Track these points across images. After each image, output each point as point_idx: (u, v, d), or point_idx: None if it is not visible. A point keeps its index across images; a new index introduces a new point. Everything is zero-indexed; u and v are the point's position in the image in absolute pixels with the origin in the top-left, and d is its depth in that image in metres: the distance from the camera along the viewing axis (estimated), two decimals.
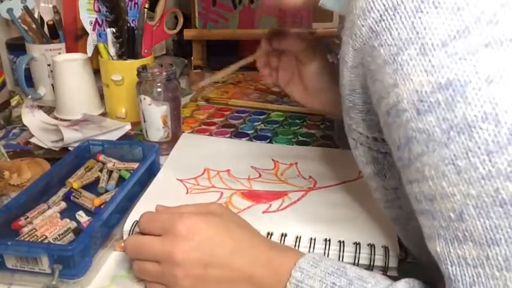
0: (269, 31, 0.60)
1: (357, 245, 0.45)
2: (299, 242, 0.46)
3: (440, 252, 0.29)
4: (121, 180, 0.60)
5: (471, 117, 0.25)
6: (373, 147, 0.39)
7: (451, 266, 0.28)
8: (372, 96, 0.33)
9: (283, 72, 0.61)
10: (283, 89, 0.63)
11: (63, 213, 0.53)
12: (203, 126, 0.79)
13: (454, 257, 0.28)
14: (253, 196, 0.55)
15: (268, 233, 0.47)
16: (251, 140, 0.74)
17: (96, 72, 0.83)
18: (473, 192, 0.26)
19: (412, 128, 0.28)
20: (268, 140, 0.73)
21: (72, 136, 0.67)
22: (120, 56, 0.77)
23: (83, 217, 0.52)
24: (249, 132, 0.77)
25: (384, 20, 0.28)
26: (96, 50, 0.79)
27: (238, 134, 0.76)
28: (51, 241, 0.46)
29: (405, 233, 0.42)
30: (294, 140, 0.74)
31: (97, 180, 0.59)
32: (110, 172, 0.61)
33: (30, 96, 0.85)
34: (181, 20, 0.84)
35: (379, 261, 0.44)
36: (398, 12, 0.27)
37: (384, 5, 0.28)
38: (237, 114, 0.84)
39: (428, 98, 0.26)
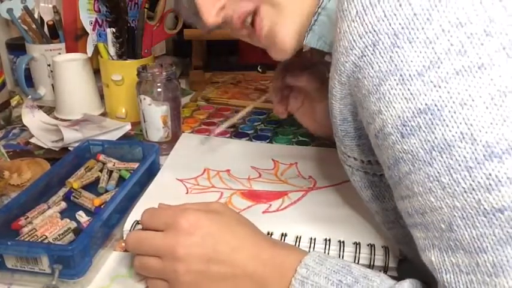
0: (282, 67, 0.61)
1: (357, 245, 0.45)
2: (299, 242, 0.46)
3: (435, 262, 0.31)
4: (121, 180, 0.60)
5: (449, 137, 0.28)
6: (369, 171, 0.42)
7: (446, 273, 0.30)
8: (362, 121, 0.36)
9: (294, 101, 0.64)
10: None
11: (63, 213, 0.53)
12: (203, 126, 0.79)
13: (448, 265, 0.30)
14: (253, 196, 0.55)
15: (268, 233, 0.47)
16: (251, 140, 0.74)
17: (96, 72, 0.83)
18: (458, 205, 0.28)
19: (399, 150, 0.31)
20: (268, 140, 0.73)
21: (72, 136, 0.67)
22: (120, 56, 0.77)
23: (83, 217, 0.52)
24: (249, 132, 0.77)
25: (365, 56, 0.31)
26: (96, 50, 0.79)
27: (238, 134, 0.76)
28: (51, 241, 0.46)
29: (412, 251, 0.42)
30: (294, 140, 0.74)
31: (97, 180, 0.59)
32: (110, 172, 0.61)
33: (30, 96, 0.85)
34: (181, 20, 0.84)
35: (379, 261, 0.44)
36: (377, 48, 0.30)
37: (364, 43, 0.31)
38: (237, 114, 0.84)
39: (410, 123, 0.29)
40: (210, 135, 0.70)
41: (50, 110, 0.86)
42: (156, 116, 0.67)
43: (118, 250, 0.49)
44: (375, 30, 0.30)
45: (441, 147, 0.28)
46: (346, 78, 0.34)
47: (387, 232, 0.44)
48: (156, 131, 0.68)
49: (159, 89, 0.67)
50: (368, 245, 0.45)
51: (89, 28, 0.77)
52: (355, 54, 0.32)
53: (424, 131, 0.29)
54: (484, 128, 0.27)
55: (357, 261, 0.44)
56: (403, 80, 0.30)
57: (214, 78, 1.03)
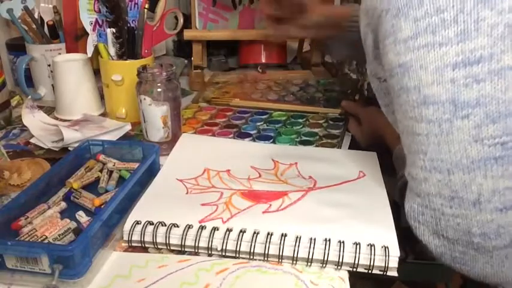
0: None
1: (357, 245, 0.45)
2: (299, 242, 0.46)
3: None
4: (121, 180, 0.60)
5: (408, 85, 0.42)
6: None
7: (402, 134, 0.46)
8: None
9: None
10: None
11: (63, 213, 0.53)
12: (205, 127, 0.79)
13: (401, 128, 0.45)
14: (253, 196, 0.55)
15: (268, 233, 0.47)
16: (254, 140, 0.74)
17: (96, 72, 0.83)
18: (400, 116, 0.45)
19: (387, 83, 0.46)
20: (271, 140, 0.73)
21: (72, 136, 0.67)
22: (120, 56, 0.77)
23: (83, 217, 0.53)
24: (251, 132, 0.77)
25: (381, 17, 0.43)
26: (96, 50, 0.79)
27: (241, 135, 0.76)
28: (51, 241, 0.46)
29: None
30: (296, 139, 0.74)
31: (97, 180, 0.59)
32: (110, 172, 0.61)
33: (30, 97, 0.84)
34: (181, 20, 0.84)
35: (379, 261, 0.44)
36: (387, 14, 0.42)
37: (382, 8, 0.43)
38: (239, 115, 0.84)
39: (394, 70, 0.43)
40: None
41: (50, 110, 0.86)
42: (156, 116, 0.67)
43: (118, 250, 0.49)
44: (389, 2, 0.41)
45: (404, 90, 0.42)
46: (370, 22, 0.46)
47: (396, 130, 0.52)
48: (156, 131, 0.69)
49: (159, 89, 0.67)
50: (368, 245, 0.45)
51: (89, 28, 0.77)
52: (377, 13, 0.43)
53: (398, 77, 0.42)
54: (426, 85, 0.40)
55: (357, 262, 0.44)
56: (395, 41, 0.41)
57: (215, 79, 1.03)
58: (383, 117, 0.54)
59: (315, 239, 0.46)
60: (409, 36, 0.40)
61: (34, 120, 0.76)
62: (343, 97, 0.89)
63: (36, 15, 0.91)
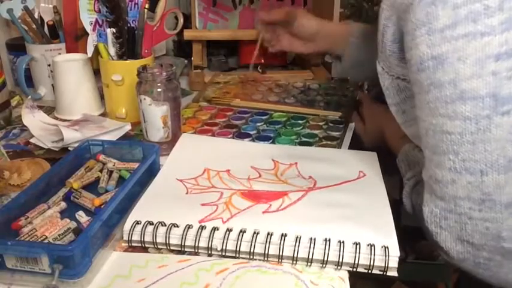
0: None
1: (357, 245, 0.45)
2: (299, 242, 0.46)
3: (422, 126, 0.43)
4: (121, 180, 0.60)
5: (443, 79, 0.39)
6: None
7: (426, 136, 0.43)
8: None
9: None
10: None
11: (63, 213, 0.53)
12: (205, 127, 0.79)
13: (429, 127, 0.42)
14: (253, 196, 0.55)
15: (268, 233, 0.47)
16: (253, 141, 0.74)
17: (96, 72, 0.83)
18: (433, 121, 0.41)
19: (414, 78, 0.42)
20: (270, 141, 0.73)
21: (72, 136, 0.67)
22: (120, 56, 0.77)
23: (83, 217, 0.53)
24: (251, 132, 0.77)
25: (412, 4, 0.40)
26: (96, 50, 0.79)
27: (241, 135, 0.76)
28: (51, 241, 0.46)
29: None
30: (296, 140, 0.74)
31: (97, 180, 0.59)
32: (110, 172, 0.61)
33: (30, 97, 0.84)
34: (181, 20, 0.84)
35: (379, 261, 0.44)
36: (421, 2, 0.39)
37: None
38: (239, 115, 0.84)
39: (424, 63, 0.40)
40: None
41: (50, 110, 0.86)
42: (156, 116, 0.67)
43: (118, 250, 0.49)
44: None
45: (435, 85, 0.39)
46: (397, 14, 0.44)
47: (406, 130, 0.52)
48: (156, 131, 0.68)
49: (159, 89, 0.67)
50: (368, 245, 0.45)
51: (89, 28, 0.77)
52: (407, 2, 0.41)
53: (429, 71, 0.39)
54: (464, 78, 0.37)
55: (357, 262, 0.44)
56: (429, 31, 0.39)
57: (215, 79, 1.03)
58: (386, 116, 0.53)
59: (315, 239, 0.46)
60: (446, 26, 0.37)
61: (34, 120, 0.76)
62: (344, 101, 0.89)
63: (36, 15, 0.91)
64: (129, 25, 0.77)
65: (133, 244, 0.49)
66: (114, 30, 0.76)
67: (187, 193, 0.56)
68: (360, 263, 0.44)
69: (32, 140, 0.71)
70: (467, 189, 0.39)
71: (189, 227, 0.48)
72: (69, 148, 0.67)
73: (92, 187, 0.58)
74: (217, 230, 0.48)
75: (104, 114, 0.83)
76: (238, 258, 0.47)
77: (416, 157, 0.53)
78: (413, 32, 0.40)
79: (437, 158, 0.41)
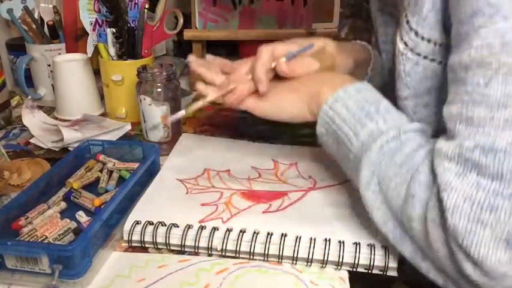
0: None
1: (357, 245, 0.45)
2: (299, 242, 0.46)
3: (455, 113, 0.36)
4: (121, 180, 0.60)
5: None
6: (437, 57, 0.44)
7: (459, 124, 0.36)
8: None
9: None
10: None
11: (63, 213, 0.53)
12: (205, 127, 0.79)
13: (463, 117, 0.35)
14: (253, 196, 0.55)
15: (268, 233, 0.47)
16: (253, 141, 0.73)
17: (96, 72, 0.83)
18: (507, 61, 0.33)
19: (482, 1, 0.34)
20: (270, 141, 0.73)
21: (72, 136, 0.67)
22: (120, 56, 0.78)
23: (83, 217, 0.53)
24: (251, 132, 0.76)
25: None
26: (96, 50, 0.79)
27: (241, 135, 0.76)
28: (51, 241, 0.46)
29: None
30: (296, 140, 0.74)
31: (97, 180, 0.59)
32: (110, 172, 0.61)
33: (30, 97, 0.85)
34: (181, 20, 0.84)
35: (379, 261, 0.44)
36: None
37: None
38: (239, 115, 0.84)
39: None
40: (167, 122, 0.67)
41: (50, 110, 0.86)
42: (156, 116, 0.67)
43: (118, 250, 0.49)
44: None
45: None
46: None
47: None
48: (156, 131, 0.69)
49: (159, 89, 0.67)
50: (368, 245, 0.45)
51: (89, 28, 0.77)
52: None
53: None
54: None
55: (357, 262, 0.44)
56: None
57: None
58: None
59: (315, 239, 0.46)
60: None
61: (34, 120, 0.76)
62: None
63: (36, 15, 0.91)
64: (129, 25, 0.77)
65: (133, 244, 0.49)
66: (114, 30, 0.76)
67: (187, 193, 0.56)
68: (360, 263, 0.44)
69: (32, 140, 0.71)
70: None
71: (189, 227, 0.48)
72: (69, 148, 0.67)
73: (92, 187, 0.58)
74: (217, 230, 0.48)
75: (104, 114, 0.83)
76: (238, 258, 0.47)
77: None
78: None
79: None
